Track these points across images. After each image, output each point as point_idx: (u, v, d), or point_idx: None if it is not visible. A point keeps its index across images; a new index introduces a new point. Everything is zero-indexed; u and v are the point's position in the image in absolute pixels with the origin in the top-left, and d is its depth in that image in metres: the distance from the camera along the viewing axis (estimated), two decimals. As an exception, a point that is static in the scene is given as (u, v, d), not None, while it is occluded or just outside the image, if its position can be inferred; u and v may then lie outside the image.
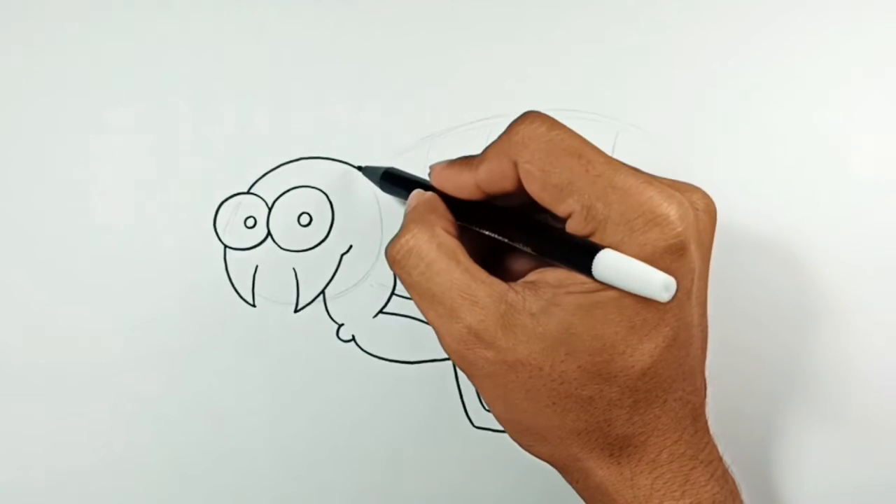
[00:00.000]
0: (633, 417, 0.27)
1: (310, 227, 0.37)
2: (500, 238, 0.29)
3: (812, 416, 0.37)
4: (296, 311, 0.37)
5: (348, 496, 0.37)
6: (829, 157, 0.38)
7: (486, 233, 0.29)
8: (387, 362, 0.37)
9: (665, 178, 0.27)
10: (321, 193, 0.37)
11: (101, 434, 0.37)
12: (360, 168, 0.37)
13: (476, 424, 0.37)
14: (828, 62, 0.38)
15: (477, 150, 0.35)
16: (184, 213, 0.37)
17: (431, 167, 0.31)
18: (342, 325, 0.37)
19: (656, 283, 0.24)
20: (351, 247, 0.37)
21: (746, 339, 0.37)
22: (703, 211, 0.27)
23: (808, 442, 0.37)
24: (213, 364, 0.37)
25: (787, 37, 0.38)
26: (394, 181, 0.34)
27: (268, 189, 0.37)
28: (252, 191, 0.37)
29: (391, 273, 0.37)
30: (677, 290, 0.24)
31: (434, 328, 0.29)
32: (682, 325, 0.27)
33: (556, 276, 0.27)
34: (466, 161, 0.30)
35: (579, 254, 0.26)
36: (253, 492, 0.37)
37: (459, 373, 0.37)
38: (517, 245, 0.28)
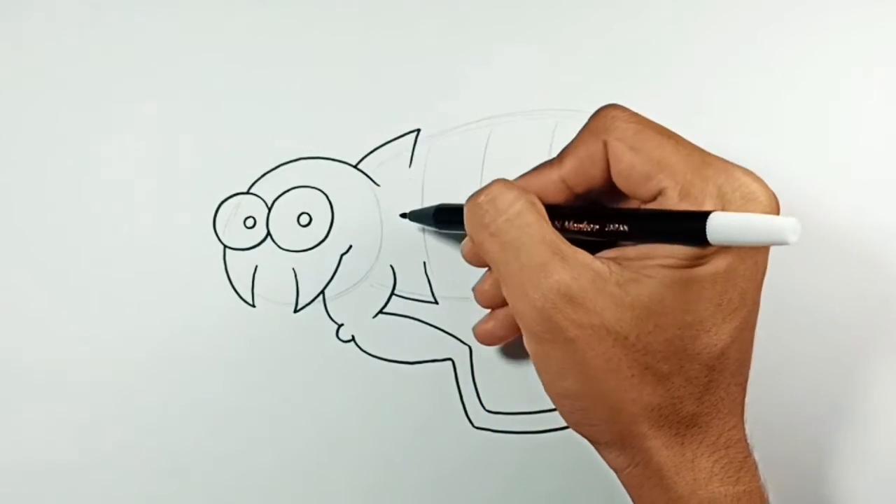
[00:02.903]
0: (704, 397, 0.27)
1: (309, 227, 0.37)
2: (592, 228, 0.28)
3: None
4: (295, 311, 0.37)
5: (348, 496, 0.37)
6: (829, 158, 0.38)
7: (577, 226, 0.28)
8: (387, 362, 0.37)
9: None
10: (321, 193, 0.37)
11: (99, 434, 0.37)
12: (404, 216, 0.37)
13: (476, 424, 0.37)
14: (828, 62, 0.38)
15: (477, 151, 0.35)
16: (183, 213, 0.37)
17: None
18: (342, 325, 0.37)
19: (785, 226, 0.23)
20: (351, 247, 0.37)
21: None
22: (777, 207, 0.28)
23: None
24: (212, 364, 0.37)
25: (787, 37, 0.38)
26: (449, 217, 0.33)
27: (267, 189, 0.37)
28: (252, 191, 0.37)
29: (391, 273, 0.37)
30: (760, 269, 0.25)
31: (513, 283, 0.27)
32: (754, 308, 0.27)
33: (638, 251, 0.27)
34: (547, 162, 0.30)
35: (689, 222, 0.25)
36: (253, 492, 0.37)
37: (460, 373, 0.37)
38: (612, 232, 0.27)
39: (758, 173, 0.27)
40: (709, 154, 0.27)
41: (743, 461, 0.28)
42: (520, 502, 0.37)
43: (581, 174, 0.28)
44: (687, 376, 0.27)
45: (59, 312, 0.37)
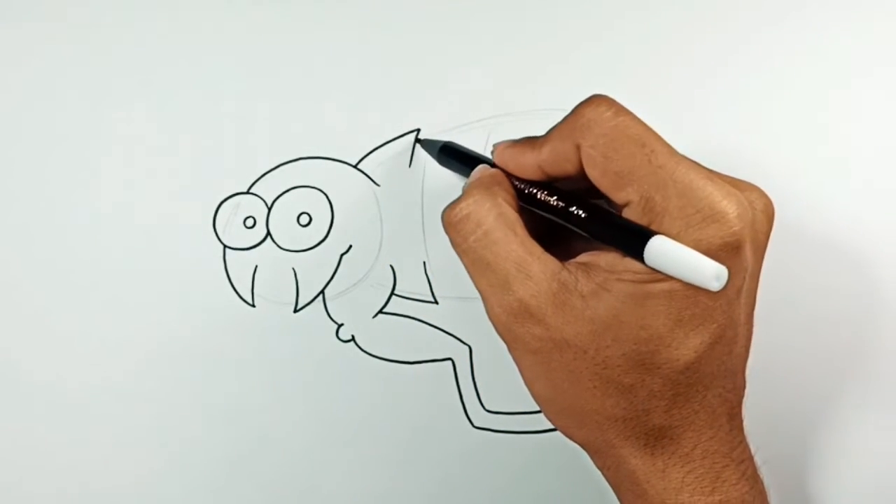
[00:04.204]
0: (672, 410, 0.27)
1: (309, 227, 0.37)
2: (556, 219, 0.29)
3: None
4: (295, 311, 0.37)
5: (348, 496, 0.37)
6: (829, 158, 0.38)
7: (544, 213, 0.29)
8: (386, 362, 0.37)
9: (725, 175, 0.27)
10: (321, 193, 0.37)
11: (98, 433, 0.37)
12: (418, 140, 0.37)
13: (476, 424, 0.37)
14: (828, 62, 0.38)
15: (477, 151, 0.35)
16: (183, 213, 0.37)
17: (495, 145, 0.31)
18: (342, 325, 0.37)
19: (708, 272, 0.24)
20: (351, 247, 0.37)
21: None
22: (762, 211, 0.27)
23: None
24: (212, 364, 0.37)
25: (787, 36, 0.38)
26: (452, 155, 0.34)
27: (267, 189, 0.37)
28: (251, 191, 0.37)
29: (391, 273, 0.37)
30: (727, 286, 0.24)
31: (483, 297, 0.28)
32: (729, 322, 0.27)
33: (608, 260, 0.27)
34: (530, 141, 0.30)
35: (632, 238, 0.25)
36: (253, 491, 0.37)
37: (460, 373, 0.37)
38: (572, 227, 0.28)
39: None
40: (684, 166, 0.26)
41: (720, 471, 0.28)
42: (520, 502, 0.37)
43: (556, 167, 0.29)
44: (650, 390, 0.27)
45: (59, 312, 0.37)
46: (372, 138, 0.37)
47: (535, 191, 0.29)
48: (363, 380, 0.37)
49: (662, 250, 0.25)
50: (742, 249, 0.25)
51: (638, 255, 0.25)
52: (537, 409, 0.37)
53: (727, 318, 0.27)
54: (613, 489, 0.30)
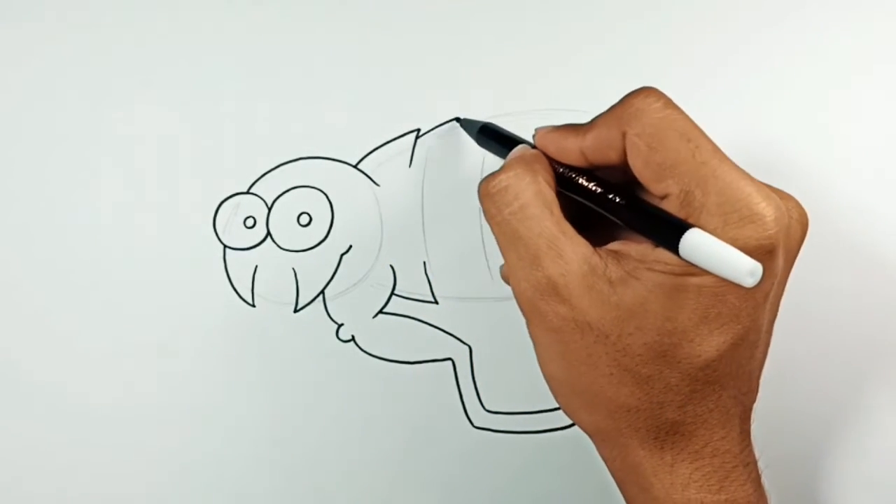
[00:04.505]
0: (687, 406, 0.27)
1: (309, 227, 0.37)
2: (591, 205, 0.29)
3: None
4: (295, 311, 0.37)
5: (348, 496, 0.37)
6: (829, 158, 0.38)
7: (580, 199, 0.29)
8: (386, 362, 0.37)
9: (764, 183, 0.27)
10: (321, 193, 0.37)
11: (97, 433, 0.37)
12: (457, 119, 0.37)
13: (476, 424, 0.37)
14: (828, 62, 0.38)
15: (477, 150, 0.35)
16: (183, 213, 0.37)
17: (536, 129, 0.31)
18: (342, 325, 0.37)
19: (743, 268, 0.24)
20: (351, 247, 0.37)
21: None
22: (797, 220, 0.27)
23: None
24: (212, 364, 0.37)
25: (787, 36, 0.38)
26: (491, 136, 0.34)
27: (267, 189, 0.37)
28: (251, 191, 0.37)
29: (391, 273, 0.37)
30: (756, 289, 0.25)
31: (510, 270, 0.28)
32: (753, 326, 0.27)
33: (639, 250, 0.27)
34: (574, 127, 0.30)
35: (668, 229, 0.25)
36: (252, 491, 0.37)
37: (460, 373, 0.37)
38: (607, 214, 0.28)
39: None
40: (727, 165, 0.26)
41: (730, 471, 0.28)
42: (520, 502, 0.37)
43: (599, 153, 0.28)
44: (667, 383, 0.27)
45: (59, 312, 0.37)
46: (372, 138, 0.37)
47: (573, 175, 0.29)
48: (363, 380, 0.37)
49: (698, 243, 0.25)
50: (775, 253, 0.25)
51: (672, 246, 0.25)
52: (537, 409, 0.37)
53: (752, 321, 0.27)
54: (616, 481, 0.30)
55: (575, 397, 0.29)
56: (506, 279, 0.33)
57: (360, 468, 0.37)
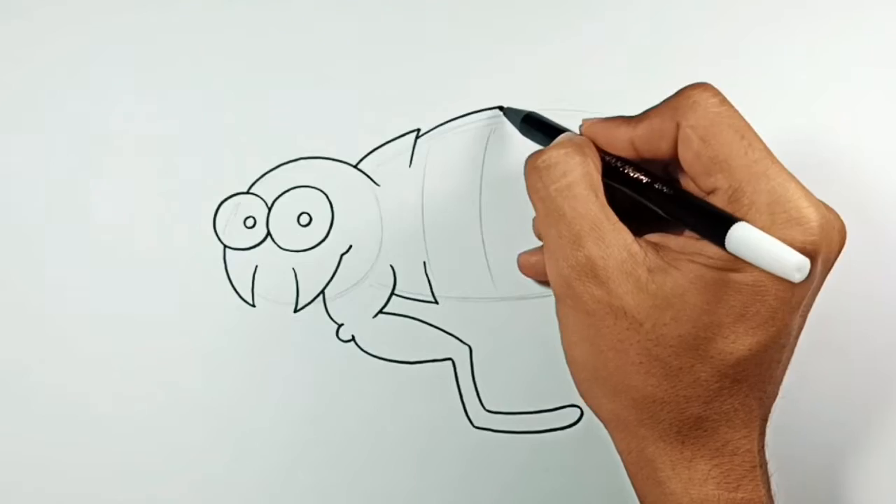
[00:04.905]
0: (713, 402, 0.27)
1: (309, 227, 0.37)
2: (636, 196, 0.29)
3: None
4: (295, 311, 0.37)
5: (348, 496, 0.37)
6: (829, 158, 0.38)
7: (625, 189, 0.29)
8: (386, 362, 0.37)
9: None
10: (321, 193, 0.37)
11: (97, 434, 0.37)
12: (501, 108, 0.37)
13: (476, 424, 0.37)
14: (828, 62, 0.38)
15: (477, 150, 0.35)
16: (183, 213, 0.37)
17: (584, 120, 0.31)
18: (342, 325, 0.37)
19: (791, 262, 0.24)
20: (351, 247, 0.37)
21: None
22: (838, 231, 0.27)
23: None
24: (212, 364, 0.37)
25: (788, 36, 0.38)
26: (535, 125, 0.34)
27: (267, 189, 0.37)
28: (251, 191, 0.37)
29: (391, 273, 0.37)
30: (803, 282, 0.25)
31: (548, 247, 0.29)
32: (785, 330, 0.27)
33: (679, 242, 0.27)
34: (624, 118, 0.30)
35: (715, 221, 0.26)
36: (252, 491, 0.37)
37: (460, 373, 0.37)
38: (651, 205, 0.28)
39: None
40: (778, 166, 0.26)
41: (749, 470, 0.28)
42: (520, 502, 0.37)
43: (650, 144, 0.28)
44: (696, 377, 0.27)
45: (59, 313, 0.37)
46: (372, 138, 0.37)
47: (620, 165, 0.29)
48: (363, 380, 0.37)
49: (746, 236, 0.25)
50: (816, 259, 0.25)
51: (719, 238, 0.25)
52: (537, 409, 0.37)
53: (785, 325, 0.27)
54: (629, 473, 0.30)
55: (598, 384, 0.29)
56: (525, 267, 0.33)
57: (360, 468, 0.37)
